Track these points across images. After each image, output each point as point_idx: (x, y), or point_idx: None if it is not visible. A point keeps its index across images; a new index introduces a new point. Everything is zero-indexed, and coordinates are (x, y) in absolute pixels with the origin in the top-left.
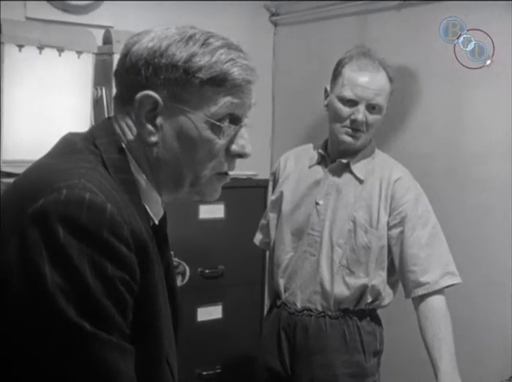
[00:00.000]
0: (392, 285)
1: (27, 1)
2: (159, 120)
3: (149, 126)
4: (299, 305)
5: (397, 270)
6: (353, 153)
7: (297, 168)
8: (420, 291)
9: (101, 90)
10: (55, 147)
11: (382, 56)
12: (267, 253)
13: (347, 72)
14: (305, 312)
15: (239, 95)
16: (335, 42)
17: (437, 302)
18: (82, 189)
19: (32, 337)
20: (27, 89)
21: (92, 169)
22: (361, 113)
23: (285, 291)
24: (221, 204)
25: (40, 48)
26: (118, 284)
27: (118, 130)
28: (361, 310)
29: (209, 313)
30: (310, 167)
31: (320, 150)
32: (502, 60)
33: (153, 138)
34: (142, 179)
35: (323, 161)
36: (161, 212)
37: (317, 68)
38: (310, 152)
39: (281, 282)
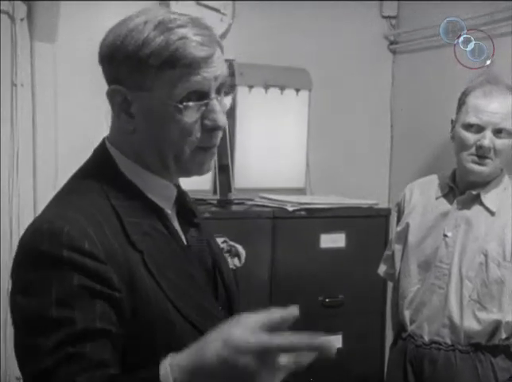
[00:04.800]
0: None
1: None
2: (132, 108)
3: (124, 116)
4: (426, 338)
5: None
6: (483, 184)
7: (423, 199)
8: None
9: None
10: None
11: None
12: (388, 283)
13: (471, 99)
14: (433, 345)
15: (197, 71)
16: (455, 70)
17: None
18: (45, 221)
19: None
20: None
21: (68, 201)
22: (487, 138)
23: (410, 323)
24: (342, 233)
25: None
26: (88, 294)
27: (111, 134)
28: (494, 346)
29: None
30: (437, 198)
31: (449, 182)
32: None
33: (130, 127)
34: (140, 172)
35: (451, 192)
36: (174, 194)
37: (436, 97)
38: (435, 183)
39: (407, 314)
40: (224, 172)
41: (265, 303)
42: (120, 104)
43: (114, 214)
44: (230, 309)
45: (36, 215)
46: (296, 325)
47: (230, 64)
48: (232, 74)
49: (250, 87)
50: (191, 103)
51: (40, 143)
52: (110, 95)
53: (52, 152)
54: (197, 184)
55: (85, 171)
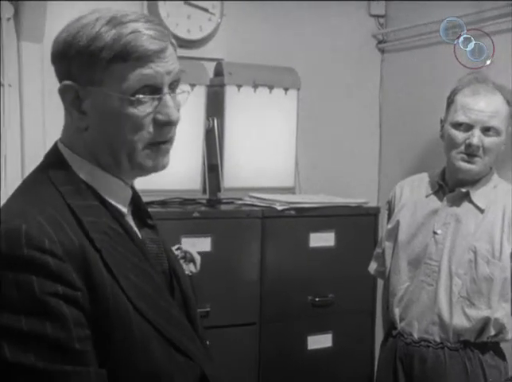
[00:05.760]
0: None
1: None
2: (84, 105)
3: (76, 113)
4: (416, 336)
5: None
6: (473, 181)
7: (413, 197)
8: None
9: (213, 120)
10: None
11: (500, 80)
12: (378, 282)
13: (460, 97)
14: (423, 343)
15: (148, 65)
16: (443, 68)
17: None
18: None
19: None
20: None
21: (22, 200)
22: (476, 137)
23: (400, 321)
24: (332, 232)
25: None
26: (50, 299)
27: (63, 134)
28: (483, 343)
29: (319, 341)
30: (427, 196)
31: (439, 180)
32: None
33: (83, 124)
34: (94, 171)
35: (440, 190)
36: (129, 194)
37: (425, 95)
38: (425, 181)
39: (397, 311)
40: (213, 171)
41: (256, 303)
42: (72, 101)
43: (70, 213)
44: (188, 314)
45: None
46: (286, 325)
47: (218, 63)
48: (221, 73)
49: (239, 86)
50: (143, 97)
51: (28, 143)
52: (62, 92)
53: (40, 152)
54: (186, 183)
55: (36, 173)
